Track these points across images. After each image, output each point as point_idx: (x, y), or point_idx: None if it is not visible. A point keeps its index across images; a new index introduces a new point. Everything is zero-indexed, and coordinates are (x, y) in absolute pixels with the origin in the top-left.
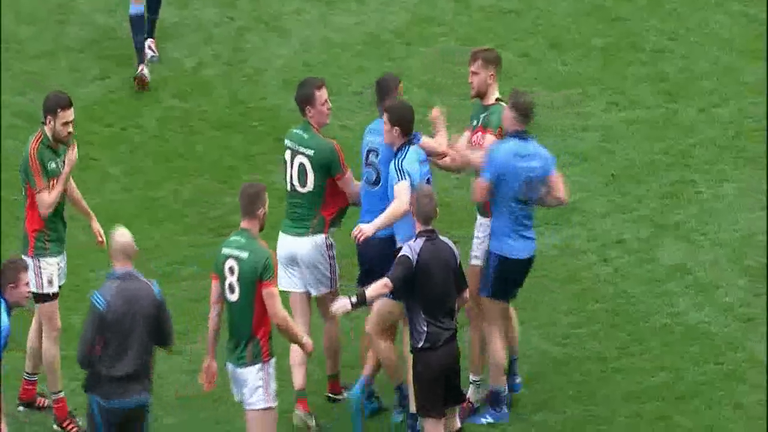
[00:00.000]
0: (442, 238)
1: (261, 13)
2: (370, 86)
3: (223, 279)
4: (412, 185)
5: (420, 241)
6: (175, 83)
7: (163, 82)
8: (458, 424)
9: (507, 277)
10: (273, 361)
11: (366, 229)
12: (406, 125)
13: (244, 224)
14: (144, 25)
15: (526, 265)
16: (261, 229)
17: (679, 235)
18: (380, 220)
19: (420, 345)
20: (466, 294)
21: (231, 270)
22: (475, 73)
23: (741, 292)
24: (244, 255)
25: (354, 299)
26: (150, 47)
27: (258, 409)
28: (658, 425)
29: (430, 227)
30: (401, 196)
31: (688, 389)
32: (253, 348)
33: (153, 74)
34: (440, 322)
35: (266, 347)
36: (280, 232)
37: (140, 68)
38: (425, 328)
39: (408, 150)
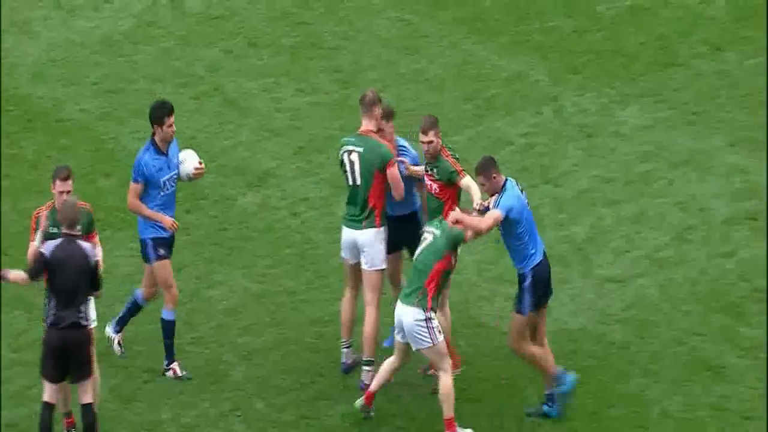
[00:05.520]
0: (80, 242)
1: (14, 19)
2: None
3: None
4: None
5: (58, 241)
6: None
7: None
8: (89, 399)
9: None
10: None
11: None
12: None
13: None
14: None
15: None
16: None
17: None
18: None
19: (48, 321)
20: (98, 294)
21: None
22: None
23: None
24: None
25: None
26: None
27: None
28: (337, 343)
29: (72, 231)
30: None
31: (360, 311)
32: None
33: None
34: (67, 309)
35: None
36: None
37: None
38: (54, 311)
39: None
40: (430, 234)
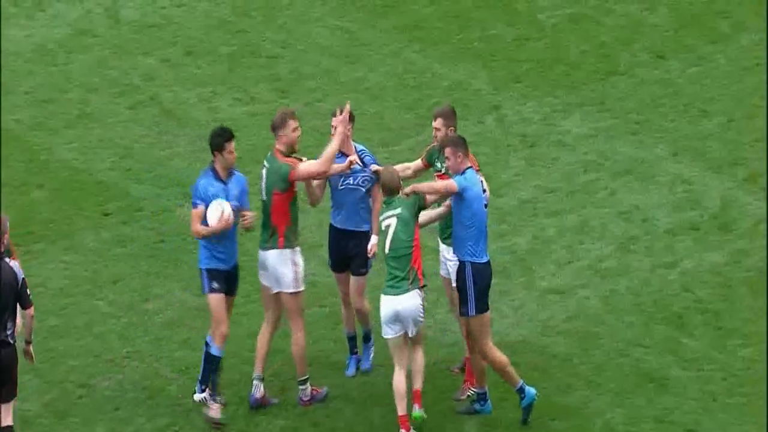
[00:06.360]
0: (8, 260)
1: None
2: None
3: None
4: None
5: None
6: None
7: None
8: (10, 422)
9: None
10: None
11: None
12: None
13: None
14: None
15: None
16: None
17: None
18: None
19: None
20: (31, 311)
21: None
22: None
23: None
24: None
25: None
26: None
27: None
28: (277, 356)
29: None
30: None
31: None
32: None
33: None
34: None
35: None
36: None
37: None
38: None
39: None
40: (392, 218)
